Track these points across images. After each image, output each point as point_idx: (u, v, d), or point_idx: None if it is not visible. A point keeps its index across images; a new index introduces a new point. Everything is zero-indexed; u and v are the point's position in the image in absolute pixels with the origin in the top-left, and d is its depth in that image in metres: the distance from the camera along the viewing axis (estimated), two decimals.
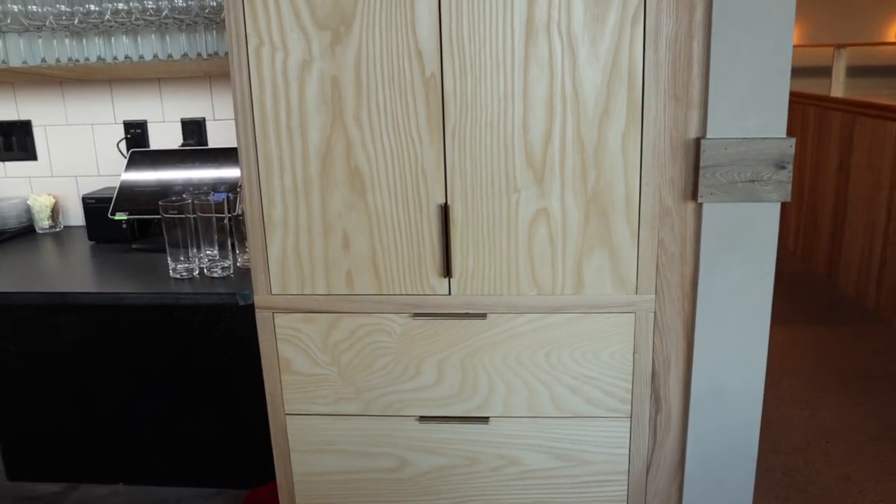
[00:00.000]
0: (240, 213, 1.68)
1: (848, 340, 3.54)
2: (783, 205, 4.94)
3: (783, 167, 1.35)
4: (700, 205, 1.41)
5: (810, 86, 5.29)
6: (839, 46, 4.76)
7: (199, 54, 1.90)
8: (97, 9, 1.86)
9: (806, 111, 4.97)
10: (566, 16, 1.31)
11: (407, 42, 1.35)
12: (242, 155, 1.43)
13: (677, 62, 1.35)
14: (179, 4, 1.83)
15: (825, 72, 4.84)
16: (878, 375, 3.13)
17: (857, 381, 3.08)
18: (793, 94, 5.01)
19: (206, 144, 2.06)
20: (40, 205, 2.13)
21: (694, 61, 1.35)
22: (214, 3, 1.82)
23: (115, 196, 1.90)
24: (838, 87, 4.66)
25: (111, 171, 2.14)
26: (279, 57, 1.38)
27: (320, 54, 1.36)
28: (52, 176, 2.18)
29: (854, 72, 5.09)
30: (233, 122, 2.03)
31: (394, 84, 1.37)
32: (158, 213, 1.83)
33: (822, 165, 4.73)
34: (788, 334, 3.65)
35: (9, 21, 1.94)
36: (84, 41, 1.96)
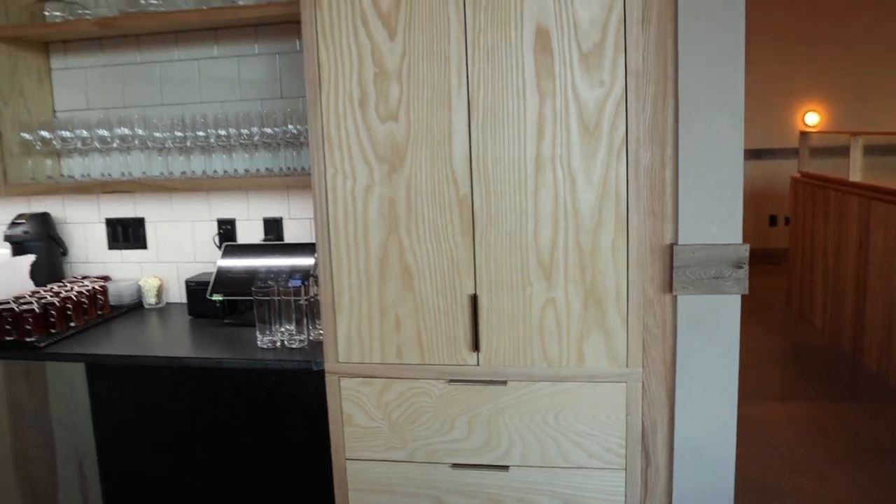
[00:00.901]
0: (313, 296, 2.11)
1: (866, 415, 3.76)
2: (810, 283, 5.16)
3: (740, 267, 1.73)
4: (675, 296, 1.78)
5: (833, 165, 5.59)
6: (855, 134, 5.10)
7: (280, 169, 2.37)
8: (204, 134, 2.36)
9: (827, 194, 5.28)
10: (566, 152, 1.73)
11: (445, 171, 1.78)
12: (320, 257, 1.86)
13: (654, 185, 1.75)
14: (267, 131, 2.31)
15: (846, 151, 5.19)
16: (889, 449, 3.36)
17: (869, 455, 3.31)
18: (814, 178, 5.33)
19: (283, 239, 2.51)
20: (149, 285, 2.59)
21: (667, 185, 1.75)
22: (294, 130, 2.29)
23: (212, 280, 2.35)
24: (856, 172, 4.98)
25: (205, 258, 2.60)
26: (349, 183, 1.82)
27: (380, 181, 1.80)
28: (158, 262, 2.66)
29: (873, 150, 5.42)
30: (305, 220, 2.48)
31: (435, 202, 1.79)
32: (247, 295, 2.26)
33: (843, 246, 5.01)
34: (809, 409, 3.88)
35: (136, 142, 2.45)
36: (191, 157, 2.46)
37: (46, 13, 2.47)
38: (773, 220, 8.16)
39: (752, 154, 8.11)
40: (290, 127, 2.30)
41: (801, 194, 5.87)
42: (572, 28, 1.69)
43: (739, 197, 1.72)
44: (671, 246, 1.76)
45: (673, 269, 1.75)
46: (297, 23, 1.85)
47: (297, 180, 2.20)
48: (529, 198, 1.76)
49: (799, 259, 5.90)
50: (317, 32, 1.80)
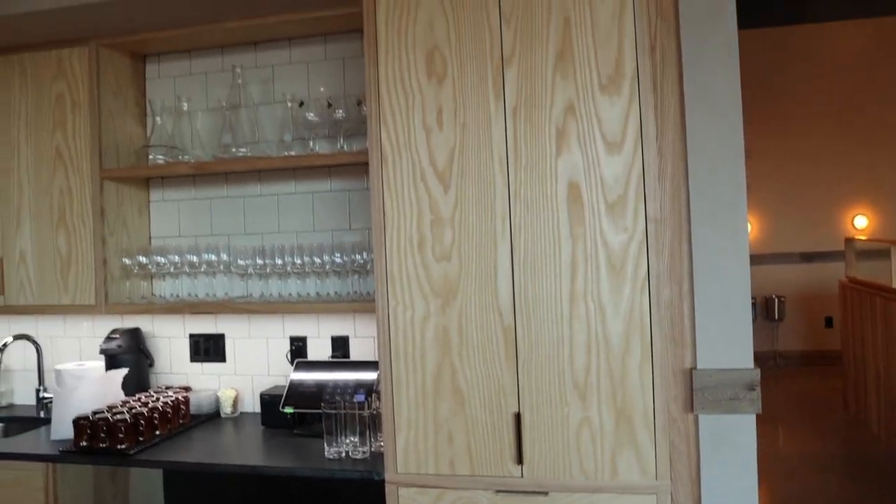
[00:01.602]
0: (375, 410, 2.36)
1: None
2: (864, 387, 5.23)
3: (753, 389, 1.93)
4: (696, 415, 1.98)
5: (883, 268, 5.70)
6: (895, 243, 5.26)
7: (348, 293, 2.68)
8: (281, 262, 2.69)
9: (873, 300, 5.38)
10: (597, 288, 1.99)
11: (492, 304, 2.05)
12: (382, 377, 2.14)
13: (674, 317, 1.99)
14: (337, 260, 2.63)
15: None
16: None
17: None
18: (861, 283, 5.45)
19: (349, 355, 2.79)
20: (226, 396, 2.89)
21: (685, 316, 1.99)
22: (361, 260, 2.61)
23: (284, 394, 2.64)
24: None
25: (277, 371, 2.90)
26: (408, 313, 2.11)
27: (435, 312, 2.09)
28: (235, 374, 2.96)
29: None
30: (368, 339, 2.77)
31: (483, 331, 2.06)
32: (316, 408, 2.53)
33: (891, 351, 5.07)
34: None
35: (221, 267, 2.81)
36: (269, 281, 2.79)
37: (150, 156, 2.89)
38: (828, 322, 8.17)
39: (803, 257, 8.22)
40: (357, 256, 2.62)
41: (850, 299, 5.96)
42: (599, 183, 1.98)
43: (749, 327, 1.94)
44: (691, 370, 1.98)
45: (693, 391, 1.96)
46: (365, 164, 2.17)
47: (363, 305, 2.50)
48: (565, 327, 2.01)
49: (852, 363, 5.93)
50: (383, 185, 2.13)
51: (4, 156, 2.93)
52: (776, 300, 7.92)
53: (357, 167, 2.76)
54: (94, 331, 3.18)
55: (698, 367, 1.97)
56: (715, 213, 1.94)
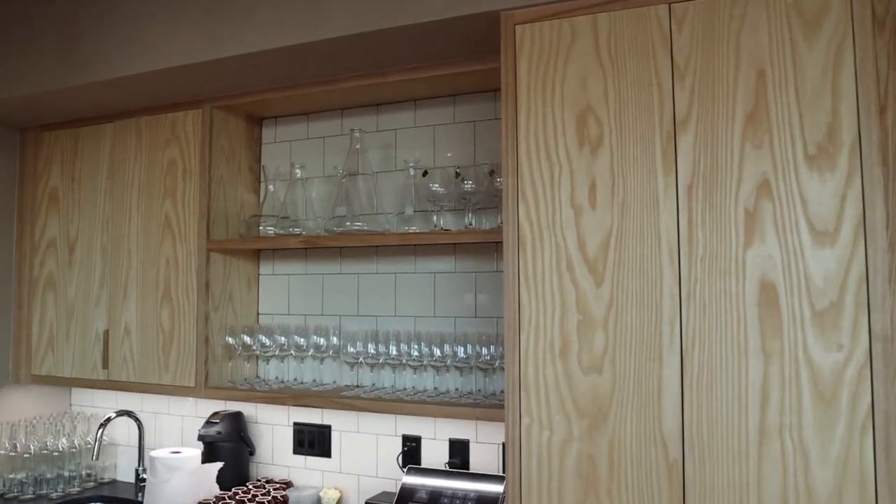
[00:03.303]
0: None
1: None
2: None
3: None
4: None
5: None
6: None
7: (470, 391, 2.30)
8: (396, 352, 2.35)
9: None
10: (797, 422, 1.51)
11: (653, 432, 1.61)
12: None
13: None
14: (460, 354, 2.26)
15: None
16: None
17: None
18: None
19: (468, 462, 2.38)
20: (329, 497, 2.54)
21: None
22: (487, 355, 2.22)
23: (394, 503, 2.26)
24: None
25: (386, 474, 2.53)
26: (545, 434, 1.69)
27: (579, 436, 1.66)
28: (340, 472, 2.62)
29: None
30: (493, 445, 2.36)
31: (641, 466, 1.61)
32: None
33: None
34: None
35: (330, 352, 2.50)
36: (381, 373, 2.45)
37: (261, 227, 2.65)
38: None
39: None
40: (482, 350, 2.24)
41: None
42: (803, 283, 1.52)
43: None
44: None
45: None
46: (497, 243, 1.79)
47: (486, 412, 2.09)
48: (752, 471, 1.54)
49: None
50: (519, 273, 1.76)
51: (118, 222, 2.77)
52: None
53: (486, 245, 2.40)
54: (198, 410, 2.94)
55: None
56: None
